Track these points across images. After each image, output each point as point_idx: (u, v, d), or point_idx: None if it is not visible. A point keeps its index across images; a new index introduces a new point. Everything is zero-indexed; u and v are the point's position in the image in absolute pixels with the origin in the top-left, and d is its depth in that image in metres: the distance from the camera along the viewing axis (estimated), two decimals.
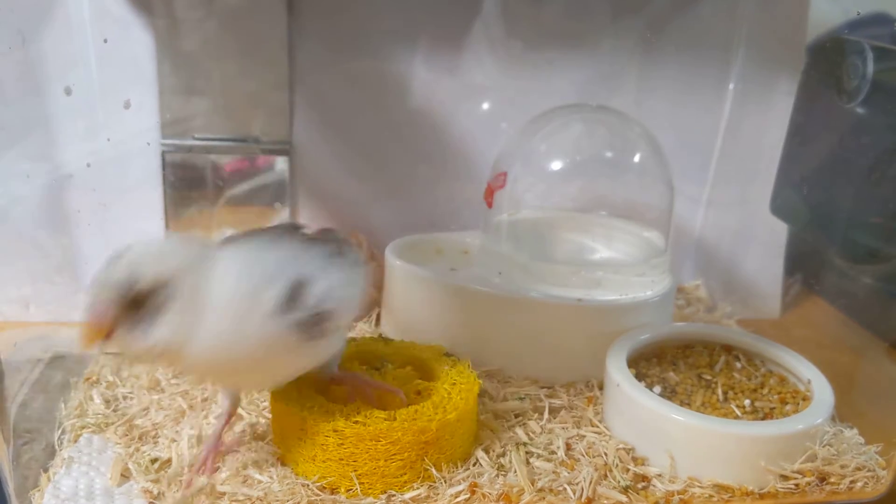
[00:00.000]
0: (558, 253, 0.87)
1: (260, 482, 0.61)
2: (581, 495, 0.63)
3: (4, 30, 0.78)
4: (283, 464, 0.63)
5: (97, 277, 0.49)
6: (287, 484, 0.61)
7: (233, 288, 0.51)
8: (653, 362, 0.76)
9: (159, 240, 0.52)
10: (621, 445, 0.68)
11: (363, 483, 0.61)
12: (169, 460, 0.63)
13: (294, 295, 0.52)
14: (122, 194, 0.88)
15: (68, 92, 0.83)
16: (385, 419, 0.61)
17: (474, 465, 0.65)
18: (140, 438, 0.66)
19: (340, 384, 0.65)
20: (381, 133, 0.93)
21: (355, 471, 0.61)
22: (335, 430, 0.61)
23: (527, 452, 0.67)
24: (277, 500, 0.60)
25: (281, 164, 0.91)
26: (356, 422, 0.61)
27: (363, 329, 0.87)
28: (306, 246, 0.57)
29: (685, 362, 0.76)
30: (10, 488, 0.58)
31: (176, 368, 0.55)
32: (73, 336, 0.82)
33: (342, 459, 0.61)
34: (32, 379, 0.75)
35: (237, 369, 0.54)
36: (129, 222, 0.89)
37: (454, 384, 0.67)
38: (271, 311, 0.51)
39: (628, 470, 0.66)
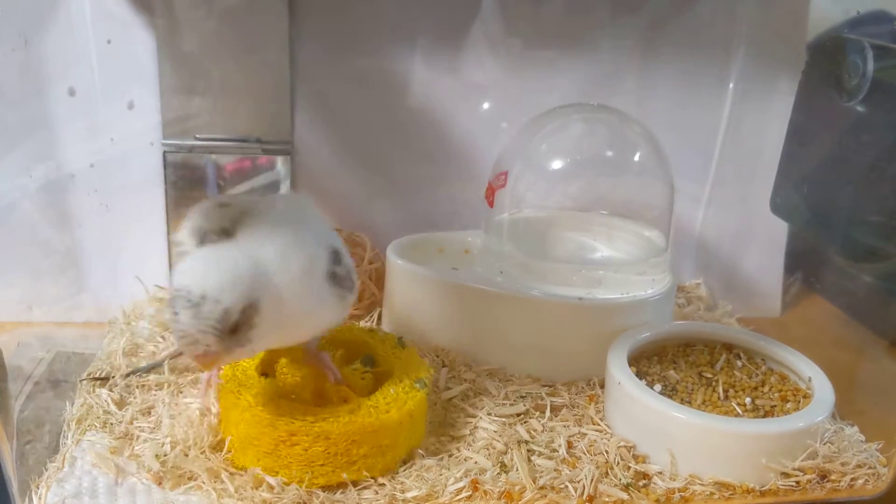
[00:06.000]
0: (559, 252, 0.87)
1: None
2: (582, 493, 0.63)
3: (7, 31, 0.78)
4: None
5: (183, 319, 0.53)
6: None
7: (295, 274, 0.58)
8: (653, 361, 0.76)
9: (215, 261, 0.56)
10: (622, 443, 0.68)
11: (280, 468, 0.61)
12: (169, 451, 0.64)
13: (335, 259, 0.62)
14: (124, 194, 0.88)
15: (72, 93, 0.83)
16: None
17: (475, 463, 0.65)
18: (141, 437, 0.66)
19: (311, 359, 0.68)
20: (382, 132, 0.93)
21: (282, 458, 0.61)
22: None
23: (528, 450, 0.67)
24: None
25: (282, 163, 0.92)
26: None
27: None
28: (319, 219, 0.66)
29: (686, 360, 0.77)
30: (14, 487, 0.59)
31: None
32: (75, 335, 0.83)
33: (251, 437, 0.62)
34: (35, 378, 0.75)
35: (293, 334, 0.62)
36: (131, 222, 0.89)
37: (400, 381, 0.66)
38: (322, 274, 0.60)
39: (629, 468, 0.66)
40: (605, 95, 0.92)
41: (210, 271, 0.54)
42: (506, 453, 0.66)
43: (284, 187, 0.91)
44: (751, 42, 0.94)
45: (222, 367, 0.65)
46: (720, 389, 0.72)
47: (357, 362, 0.71)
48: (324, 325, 0.64)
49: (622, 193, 0.87)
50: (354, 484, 0.62)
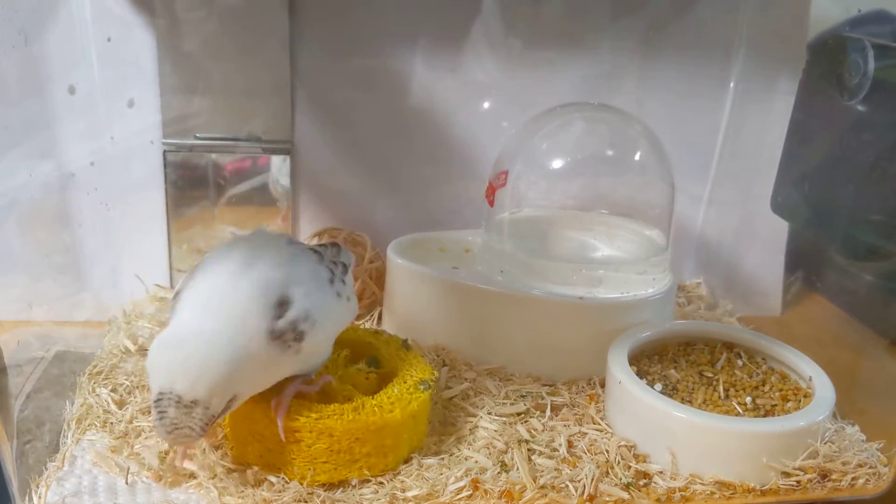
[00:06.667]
0: (560, 251, 0.87)
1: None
2: (583, 492, 0.63)
3: (7, 29, 0.78)
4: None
5: (172, 416, 0.54)
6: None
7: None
8: (654, 360, 0.76)
9: (199, 360, 0.54)
10: (623, 442, 0.68)
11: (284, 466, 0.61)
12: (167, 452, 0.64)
13: (279, 312, 0.58)
14: (124, 193, 0.88)
15: (72, 91, 0.83)
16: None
17: (475, 462, 0.65)
18: (142, 435, 0.66)
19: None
20: (382, 132, 0.93)
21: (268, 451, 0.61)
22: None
23: (529, 450, 0.67)
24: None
25: (282, 163, 0.91)
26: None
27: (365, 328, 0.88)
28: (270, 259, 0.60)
29: (686, 360, 0.77)
30: (14, 486, 0.59)
31: None
32: (75, 334, 0.83)
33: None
34: (35, 377, 0.75)
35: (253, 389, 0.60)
36: (131, 221, 0.89)
37: (405, 381, 0.66)
38: (262, 332, 0.57)
39: (630, 467, 0.66)
40: (606, 95, 0.92)
41: (202, 376, 0.53)
42: (506, 452, 0.66)
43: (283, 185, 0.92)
44: (751, 42, 0.94)
45: None
46: (721, 389, 0.72)
47: (362, 362, 0.71)
48: (286, 374, 0.61)
49: (623, 192, 0.87)
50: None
